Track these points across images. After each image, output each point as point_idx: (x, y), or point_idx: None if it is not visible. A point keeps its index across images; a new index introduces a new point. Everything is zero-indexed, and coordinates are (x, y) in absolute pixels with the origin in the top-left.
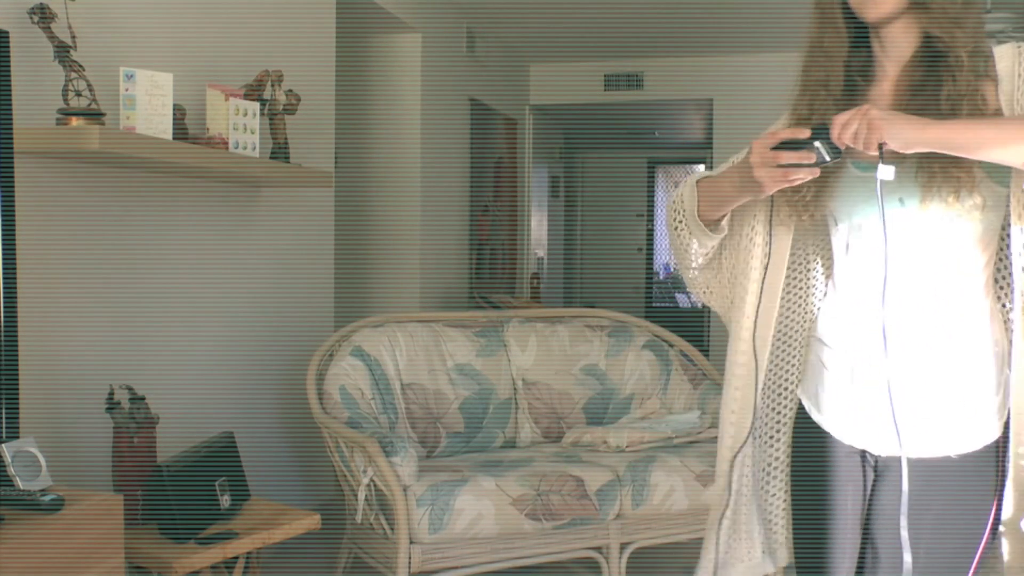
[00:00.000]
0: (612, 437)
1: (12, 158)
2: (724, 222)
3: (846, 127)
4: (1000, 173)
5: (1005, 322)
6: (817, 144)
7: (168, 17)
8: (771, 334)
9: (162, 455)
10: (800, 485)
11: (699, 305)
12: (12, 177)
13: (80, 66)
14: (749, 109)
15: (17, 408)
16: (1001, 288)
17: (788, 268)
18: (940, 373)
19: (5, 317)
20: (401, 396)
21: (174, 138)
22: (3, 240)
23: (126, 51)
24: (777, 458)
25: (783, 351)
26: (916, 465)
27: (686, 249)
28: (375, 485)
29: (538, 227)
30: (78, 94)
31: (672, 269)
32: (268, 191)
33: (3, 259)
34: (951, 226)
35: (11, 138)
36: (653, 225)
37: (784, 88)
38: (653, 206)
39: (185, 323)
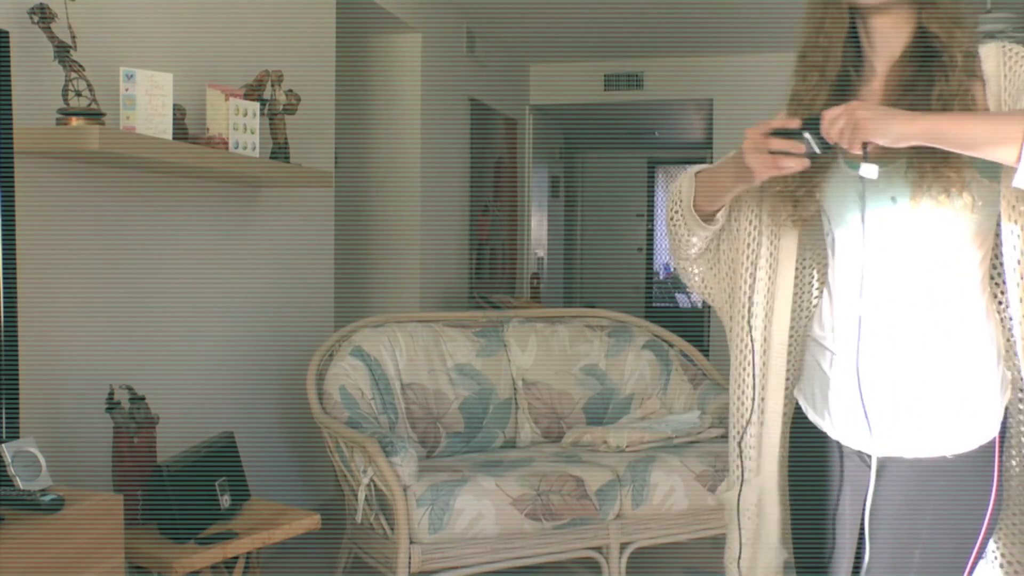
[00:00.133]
0: (612, 437)
1: (12, 158)
2: (720, 215)
3: (833, 123)
4: (992, 170)
5: (1001, 320)
6: (807, 135)
7: (168, 17)
8: (786, 337)
9: (162, 455)
10: (798, 485)
11: (699, 305)
12: (12, 177)
13: (80, 66)
14: (749, 109)
15: (17, 408)
16: (997, 285)
17: None
18: (935, 372)
19: (5, 317)
20: (401, 396)
21: (174, 138)
22: (3, 240)
23: (126, 51)
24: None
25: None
26: (912, 465)
27: (681, 239)
28: (375, 485)
29: (538, 227)
30: (78, 94)
31: (672, 269)
32: (268, 191)
33: (3, 259)
34: (943, 224)
35: (11, 138)
36: (653, 225)
37: (784, 88)
38: (653, 206)
39: (185, 323)
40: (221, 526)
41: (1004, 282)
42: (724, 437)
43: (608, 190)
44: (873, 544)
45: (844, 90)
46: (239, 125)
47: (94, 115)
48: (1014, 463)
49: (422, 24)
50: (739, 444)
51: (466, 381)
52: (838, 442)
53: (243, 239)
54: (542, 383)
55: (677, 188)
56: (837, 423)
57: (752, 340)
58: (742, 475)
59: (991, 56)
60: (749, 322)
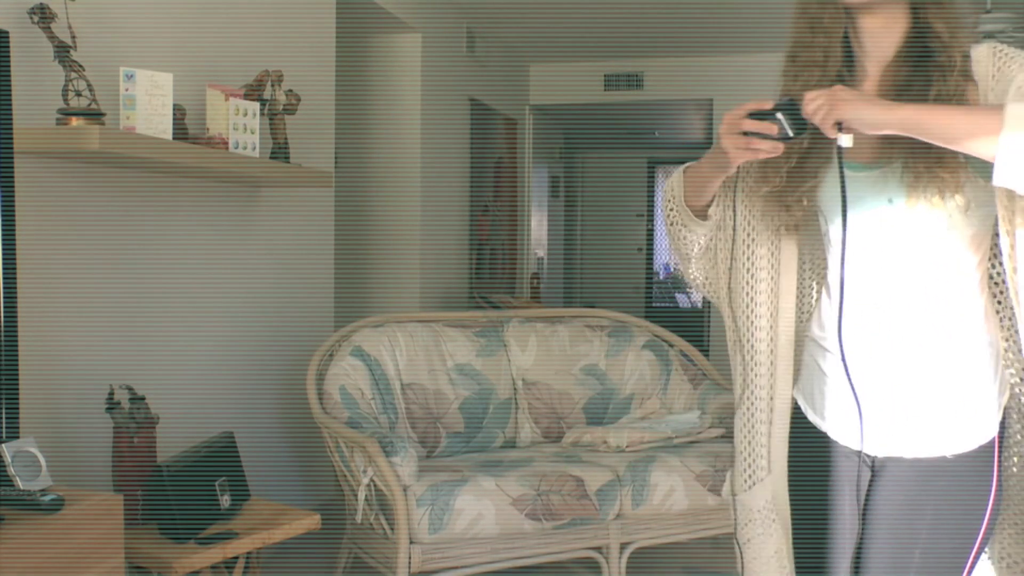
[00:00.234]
0: (612, 437)
1: (12, 158)
2: (712, 211)
3: (812, 101)
4: (987, 171)
5: (1000, 320)
6: (779, 116)
7: (168, 17)
8: (792, 336)
9: (162, 455)
10: (798, 485)
11: (699, 305)
12: (12, 177)
13: (80, 66)
14: None
15: (17, 408)
16: (996, 285)
17: None
18: (935, 372)
19: (5, 317)
20: (401, 396)
21: (174, 138)
22: (3, 240)
23: (126, 51)
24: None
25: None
26: (912, 465)
27: (678, 237)
28: (375, 485)
29: (538, 227)
30: (78, 94)
31: (672, 269)
32: (268, 191)
33: (3, 259)
34: (941, 225)
35: (11, 138)
36: (653, 225)
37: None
38: (653, 206)
39: (185, 323)
40: (221, 526)
41: (1004, 282)
42: (724, 437)
43: (608, 190)
44: (873, 544)
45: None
46: (239, 125)
47: (94, 115)
48: (1014, 462)
49: (422, 24)
50: (749, 442)
51: (466, 381)
52: (837, 442)
53: (243, 239)
54: (542, 383)
55: (669, 186)
56: (836, 423)
57: (758, 340)
58: (735, 447)
59: (982, 57)
60: (753, 323)
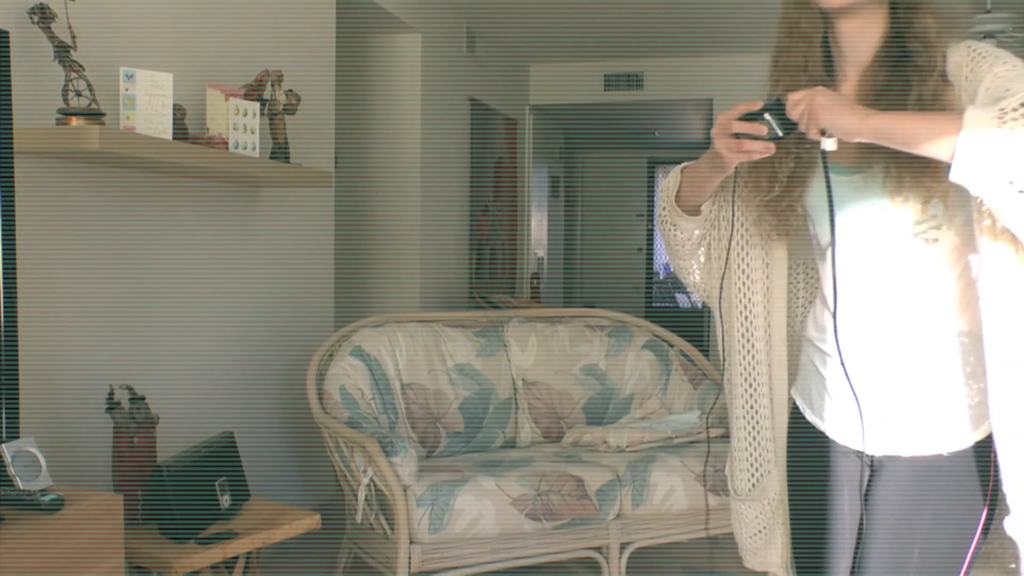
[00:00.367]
0: (612, 437)
1: (12, 158)
2: (704, 206)
3: (796, 105)
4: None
5: None
6: (767, 117)
7: (168, 17)
8: (784, 335)
9: (162, 455)
10: (797, 485)
11: (699, 305)
12: (12, 177)
13: (80, 66)
14: None
15: (17, 408)
16: None
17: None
18: (927, 372)
19: (5, 317)
20: (401, 396)
21: (174, 138)
22: (3, 240)
23: (126, 51)
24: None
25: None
26: (909, 464)
27: (669, 235)
28: (375, 485)
29: (538, 227)
30: (78, 94)
31: (672, 269)
32: (268, 191)
33: (3, 259)
34: (929, 233)
35: (11, 138)
36: (653, 225)
37: None
38: (653, 206)
39: (185, 323)
40: (221, 526)
41: None
42: (724, 437)
43: (608, 190)
44: (872, 542)
45: None
46: (239, 125)
47: (94, 115)
48: None
49: (422, 24)
50: (754, 437)
51: (466, 381)
52: (836, 441)
53: (243, 239)
54: (542, 383)
55: (665, 185)
56: (834, 423)
57: (756, 340)
58: (732, 430)
59: (958, 58)
60: (751, 322)
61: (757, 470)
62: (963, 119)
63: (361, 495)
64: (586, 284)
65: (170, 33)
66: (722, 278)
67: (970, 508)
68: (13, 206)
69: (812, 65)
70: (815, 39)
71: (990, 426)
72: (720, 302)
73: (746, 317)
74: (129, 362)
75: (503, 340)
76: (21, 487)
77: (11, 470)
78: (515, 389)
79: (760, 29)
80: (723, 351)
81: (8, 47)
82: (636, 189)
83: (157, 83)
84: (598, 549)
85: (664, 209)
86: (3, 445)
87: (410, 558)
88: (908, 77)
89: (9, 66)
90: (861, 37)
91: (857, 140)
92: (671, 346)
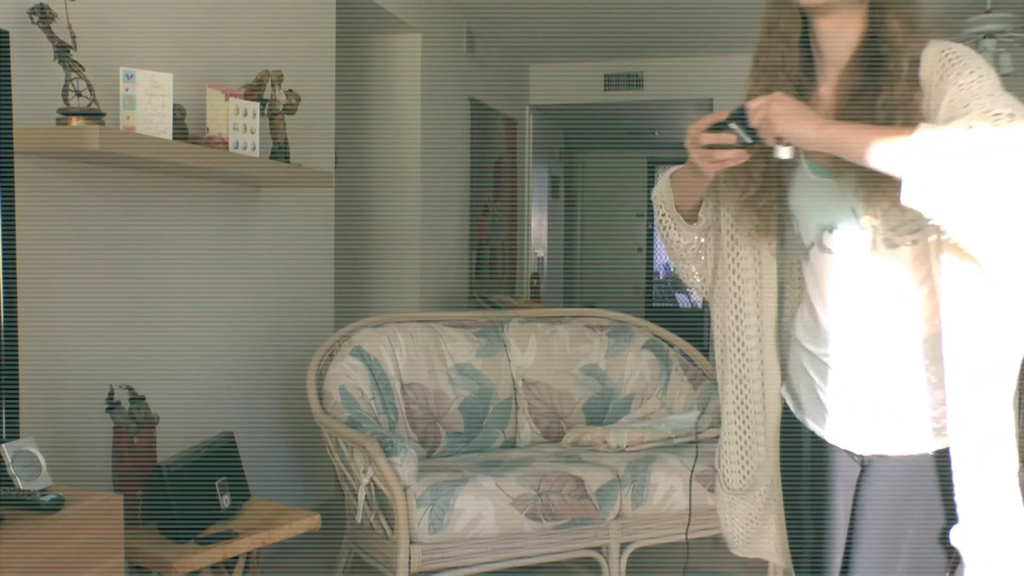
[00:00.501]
0: (612, 437)
1: (12, 158)
2: (700, 212)
3: (755, 113)
4: None
5: None
6: (732, 126)
7: (168, 17)
8: (775, 335)
9: (162, 455)
10: (790, 485)
11: (699, 305)
12: (12, 177)
13: (80, 66)
14: None
15: (17, 408)
16: None
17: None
18: (909, 375)
19: (5, 317)
20: (401, 396)
21: (174, 138)
22: (3, 240)
23: (126, 51)
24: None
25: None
26: (898, 462)
27: (671, 241)
28: (375, 485)
29: (538, 227)
30: (78, 94)
31: (672, 269)
32: (268, 191)
33: (3, 259)
34: (895, 239)
35: (11, 138)
36: (653, 225)
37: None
38: (653, 206)
39: (185, 323)
40: (221, 526)
41: None
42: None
43: (608, 190)
44: (861, 540)
45: (799, 94)
46: (239, 125)
47: (94, 115)
48: None
49: (422, 24)
50: (744, 431)
51: (466, 381)
52: (824, 440)
53: (243, 239)
54: (542, 383)
55: (658, 191)
56: (821, 422)
57: (748, 338)
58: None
59: (930, 60)
60: (743, 320)
61: (747, 463)
62: (913, 140)
63: (361, 495)
64: (586, 284)
65: (170, 33)
66: (713, 273)
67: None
68: (13, 206)
69: (790, 65)
70: (793, 39)
71: None
72: (714, 297)
73: (736, 316)
74: (129, 362)
75: (503, 340)
76: (21, 487)
77: (11, 470)
78: (515, 389)
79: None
80: (717, 347)
81: (8, 47)
82: (636, 189)
83: (157, 83)
84: (598, 549)
85: (664, 216)
86: (3, 445)
87: (410, 558)
88: (879, 81)
89: (9, 66)
90: (839, 36)
91: (812, 149)
92: (671, 346)
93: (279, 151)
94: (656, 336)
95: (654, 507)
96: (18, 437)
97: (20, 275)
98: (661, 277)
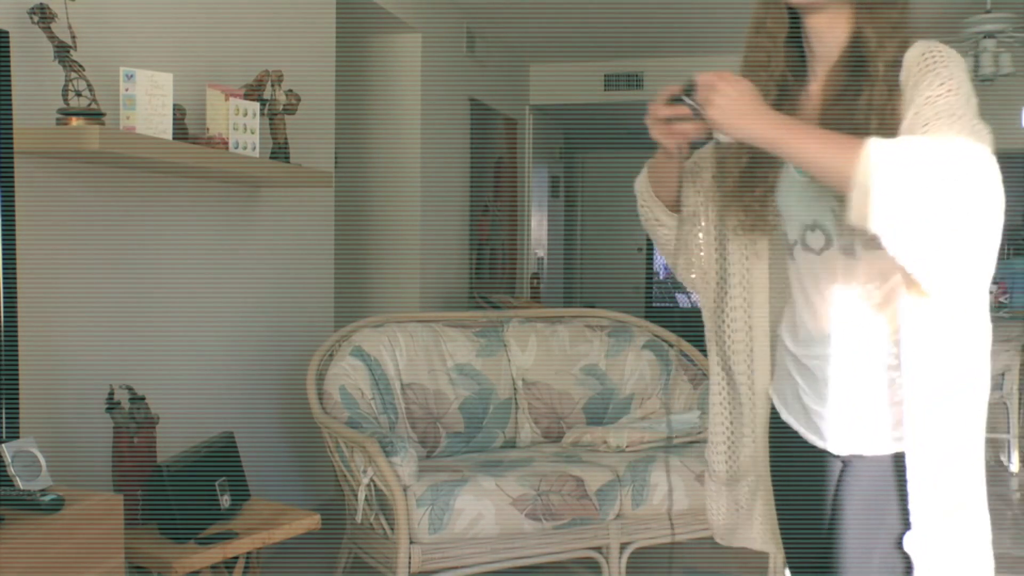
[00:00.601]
0: (612, 437)
1: (12, 158)
2: (682, 199)
3: (701, 90)
4: None
5: None
6: (683, 98)
7: (168, 17)
8: (767, 330)
9: (162, 455)
10: (781, 485)
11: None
12: (12, 177)
13: (80, 66)
14: None
15: (17, 408)
16: None
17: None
18: (885, 374)
19: (5, 317)
20: (401, 396)
21: (174, 138)
22: (3, 240)
23: (126, 51)
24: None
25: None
26: (875, 463)
27: (654, 231)
28: (375, 485)
29: (538, 227)
30: (78, 94)
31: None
32: (268, 191)
33: (3, 259)
34: (860, 242)
35: (11, 138)
36: None
37: None
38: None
39: (185, 323)
40: (221, 526)
41: None
42: None
43: (608, 190)
44: (840, 539)
45: (785, 92)
46: (239, 125)
47: (94, 115)
48: None
49: (422, 24)
50: (731, 422)
51: (466, 381)
52: (807, 440)
53: (243, 239)
54: (542, 383)
55: (637, 183)
56: (803, 423)
57: (735, 332)
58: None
59: (911, 61)
60: (728, 315)
61: (733, 454)
62: (862, 156)
63: (361, 495)
64: (586, 284)
65: (170, 33)
66: (700, 261)
67: None
68: (13, 206)
69: (775, 64)
70: (780, 37)
71: None
72: (697, 286)
73: (723, 310)
74: (129, 362)
75: (503, 340)
76: (21, 487)
77: (11, 470)
78: (515, 389)
79: None
80: (706, 339)
81: (8, 47)
82: None
83: (157, 83)
84: (598, 549)
85: (644, 206)
86: (3, 445)
87: (410, 558)
88: (860, 84)
89: (9, 66)
90: (829, 34)
91: (745, 142)
92: (671, 346)
93: (279, 151)
94: (656, 336)
95: (654, 507)
96: (18, 437)
97: (20, 275)
98: (661, 277)
